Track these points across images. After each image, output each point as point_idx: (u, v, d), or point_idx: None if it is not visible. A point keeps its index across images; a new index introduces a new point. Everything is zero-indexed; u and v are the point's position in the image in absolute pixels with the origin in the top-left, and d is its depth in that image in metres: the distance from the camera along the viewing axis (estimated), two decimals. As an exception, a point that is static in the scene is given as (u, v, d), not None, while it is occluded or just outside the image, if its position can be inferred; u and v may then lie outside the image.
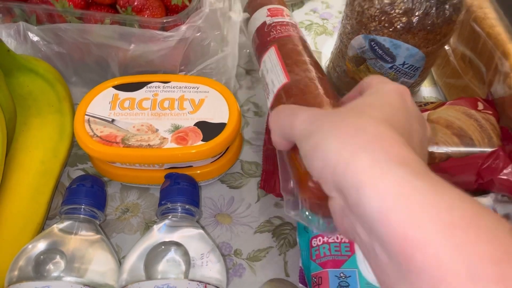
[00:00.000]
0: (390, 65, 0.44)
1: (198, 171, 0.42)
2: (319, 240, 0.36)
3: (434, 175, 0.18)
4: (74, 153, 0.47)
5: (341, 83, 0.51)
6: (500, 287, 0.15)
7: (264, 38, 0.41)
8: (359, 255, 0.35)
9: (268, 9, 0.44)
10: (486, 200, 0.39)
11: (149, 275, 0.32)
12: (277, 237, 0.42)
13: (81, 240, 0.35)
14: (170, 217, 0.37)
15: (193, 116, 0.41)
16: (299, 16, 0.63)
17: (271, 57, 0.38)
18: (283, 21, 0.42)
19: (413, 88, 0.50)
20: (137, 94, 0.42)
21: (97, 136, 0.39)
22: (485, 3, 0.46)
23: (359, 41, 0.45)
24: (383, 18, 0.41)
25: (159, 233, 0.35)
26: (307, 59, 0.36)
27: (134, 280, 0.32)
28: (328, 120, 0.22)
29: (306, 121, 0.24)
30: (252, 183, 0.46)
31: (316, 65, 0.36)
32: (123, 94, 0.42)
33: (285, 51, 0.37)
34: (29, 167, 0.41)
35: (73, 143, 0.46)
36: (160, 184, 0.40)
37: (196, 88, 0.43)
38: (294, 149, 0.26)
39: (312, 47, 0.59)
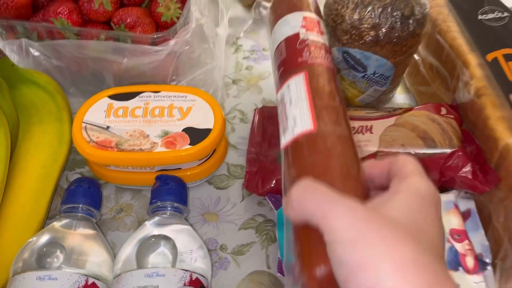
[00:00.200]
0: (362, 74, 0.48)
1: (188, 173, 0.46)
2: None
3: None
4: (72, 158, 0.51)
5: (320, 91, 0.55)
6: None
7: (294, 56, 0.34)
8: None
9: (305, 18, 0.37)
10: (449, 196, 0.43)
11: (140, 265, 0.36)
12: (259, 233, 0.46)
13: (79, 235, 0.38)
14: (160, 214, 0.40)
15: (181, 123, 0.44)
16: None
17: (298, 86, 0.32)
18: (319, 41, 0.35)
19: (387, 95, 0.54)
20: (130, 103, 0.46)
21: (93, 141, 0.43)
22: (449, 18, 0.50)
23: (333, 53, 0.49)
24: (353, 32, 0.45)
25: (150, 228, 0.39)
26: (338, 104, 0.31)
27: (127, 270, 0.36)
28: (375, 229, 0.21)
29: (347, 223, 0.21)
30: (237, 184, 0.50)
31: (345, 115, 0.31)
32: (117, 103, 0.46)
33: (316, 86, 0.31)
34: (31, 170, 0.44)
35: (72, 149, 0.49)
36: (151, 186, 0.43)
37: (185, 97, 0.47)
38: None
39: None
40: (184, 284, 0.35)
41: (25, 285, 0.34)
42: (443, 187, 0.45)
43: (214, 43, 0.52)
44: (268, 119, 0.51)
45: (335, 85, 0.32)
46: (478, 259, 0.40)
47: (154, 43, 0.46)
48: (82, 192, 0.41)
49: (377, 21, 0.44)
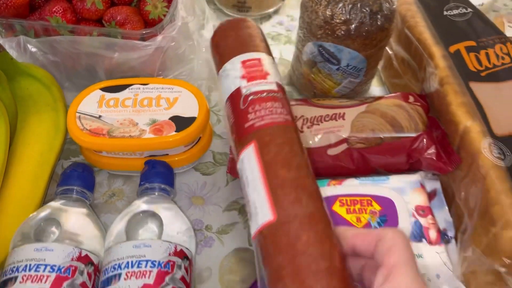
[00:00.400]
0: (336, 66, 0.52)
1: (176, 159, 0.50)
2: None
3: None
4: (67, 148, 0.54)
5: (300, 84, 0.59)
6: None
7: (241, 121, 0.29)
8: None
9: (243, 63, 0.31)
10: (416, 177, 0.46)
11: (129, 239, 0.39)
12: (242, 214, 0.49)
13: (74, 213, 0.42)
14: (149, 194, 0.44)
15: (168, 112, 0.48)
16: (266, 28, 0.71)
17: (250, 163, 0.28)
18: (264, 90, 0.29)
19: (362, 86, 0.57)
20: (121, 95, 0.49)
21: (87, 129, 0.46)
22: (417, 14, 0.54)
23: (310, 47, 0.52)
24: (327, 27, 0.49)
25: (139, 205, 0.42)
26: (295, 169, 0.27)
27: (117, 242, 0.39)
28: None
29: None
30: (222, 170, 0.53)
31: (313, 184, 0.27)
32: (108, 95, 0.49)
33: (268, 159, 0.27)
34: (29, 158, 0.48)
35: (67, 139, 0.53)
36: (141, 171, 0.47)
37: (171, 89, 0.50)
38: None
39: (278, 55, 0.67)
40: (169, 254, 0.38)
41: (23, 255, 0.37)
42: (411, 169, 0.48)
43: (198, 41, 0.55)
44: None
45: (294, 139, 0.28)
46: (442, 233, 0.43)
47: (143, 38, 0.50)
48: (76, 175, 0.44)
49: (348, 16, 0.48)
